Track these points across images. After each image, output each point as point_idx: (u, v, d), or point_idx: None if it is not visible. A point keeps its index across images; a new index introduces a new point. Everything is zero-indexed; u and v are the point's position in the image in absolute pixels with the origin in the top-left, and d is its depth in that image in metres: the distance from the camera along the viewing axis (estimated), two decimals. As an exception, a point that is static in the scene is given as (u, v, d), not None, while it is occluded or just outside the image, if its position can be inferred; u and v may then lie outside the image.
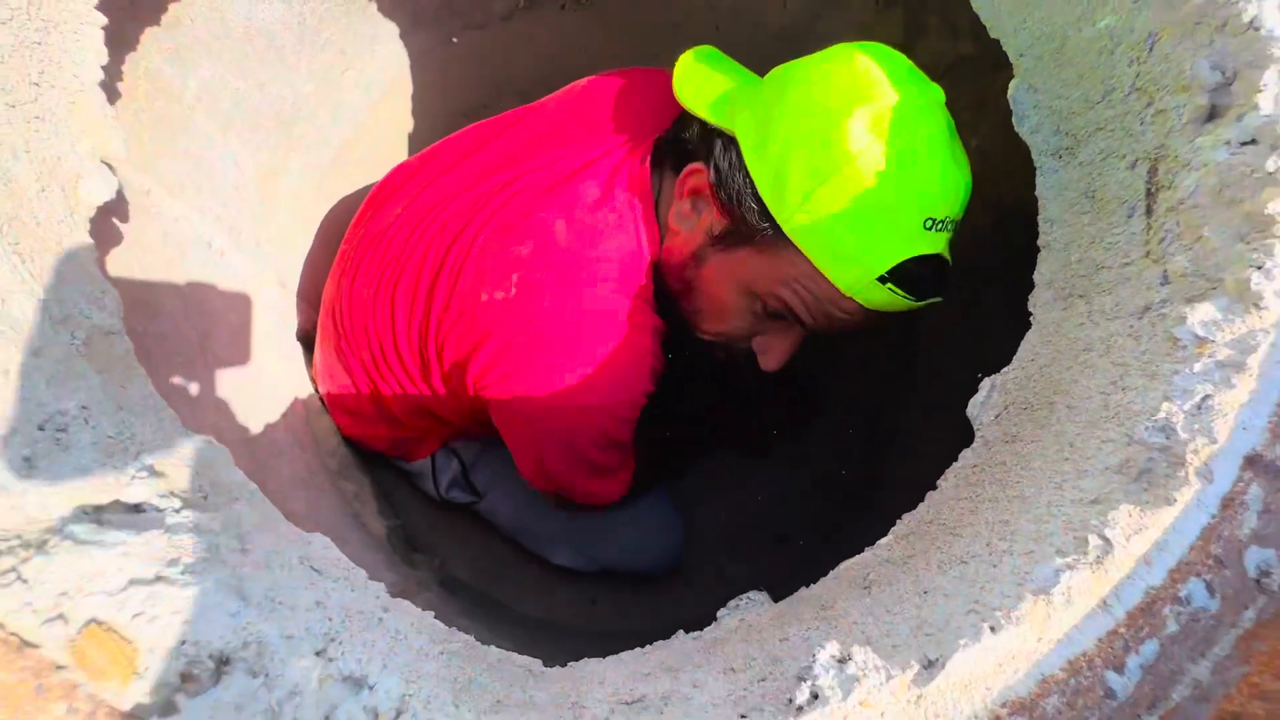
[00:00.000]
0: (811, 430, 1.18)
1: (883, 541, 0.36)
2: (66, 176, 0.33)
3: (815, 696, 0.20)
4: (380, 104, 1.04)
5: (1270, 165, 0.30)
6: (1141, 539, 0.23)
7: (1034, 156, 0.47)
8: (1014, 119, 0.48)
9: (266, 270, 0.87)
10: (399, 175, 0.84)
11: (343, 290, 0.80)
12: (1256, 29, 0.33)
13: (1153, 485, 0.25)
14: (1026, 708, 0.20)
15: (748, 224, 0.57)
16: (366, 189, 1.08)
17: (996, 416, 0.40)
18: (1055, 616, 0.22)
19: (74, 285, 0.29)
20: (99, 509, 0.22)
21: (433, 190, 0.75)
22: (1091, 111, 0.42)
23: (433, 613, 0.38)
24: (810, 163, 0.52)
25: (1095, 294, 0.38)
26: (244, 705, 0.18)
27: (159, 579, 0.21)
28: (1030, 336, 0.42)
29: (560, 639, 1.08)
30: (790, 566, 1.14)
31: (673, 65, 0.69)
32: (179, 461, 0.26)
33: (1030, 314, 0.44)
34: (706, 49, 0.71)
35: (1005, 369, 0.42)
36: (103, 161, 0.36)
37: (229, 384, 0.73)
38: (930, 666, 0.21)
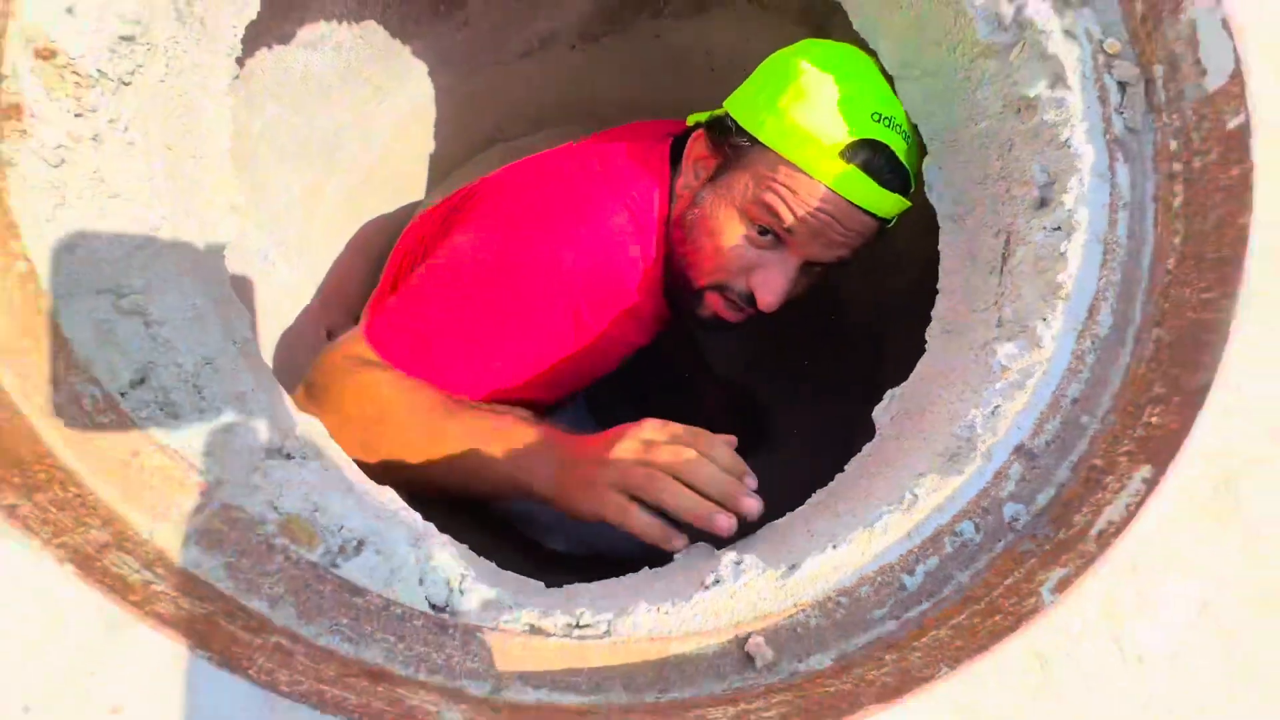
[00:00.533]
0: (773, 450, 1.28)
1: (799, 510, 0.48)
2: (213, 224, 0.46)
3: (717, 581, 0.32)
4: (406, 131, 1.17)
5: (1063, 247, 0.43)
6: (938, 496, 0.36)
7: (939, 219, 0.60)
8: (925, 188, 0.61)
9: (306, 278, 1.00)
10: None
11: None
12: (1068, 146, 0.46)
13: (955, 463, 0.37)
14: (848, 592, 0.33)
15: (734, 147, 0.69)
16: (396, 210, 1.21)
17: (892, 419, 0.53)
18: (875, 541, 0.34)
19: (228, 305, 0.41)
20: (280, 449, 0.35)
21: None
22: (975, 189, 0.55)
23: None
24: (773, 82, 0.68)
25: (964, 331, 0.51)
26: (374, 569, 0.30)
27: (323, 492, 0.33)
28: (923, 359, 0.55)
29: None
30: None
31: (672, 104, 0.83)
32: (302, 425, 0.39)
33: (926, 342, 0.57)
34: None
35: (903, 384, 0.55)
36: (231, 209, 0.49)
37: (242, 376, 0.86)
38: (793, 568, 0.33)
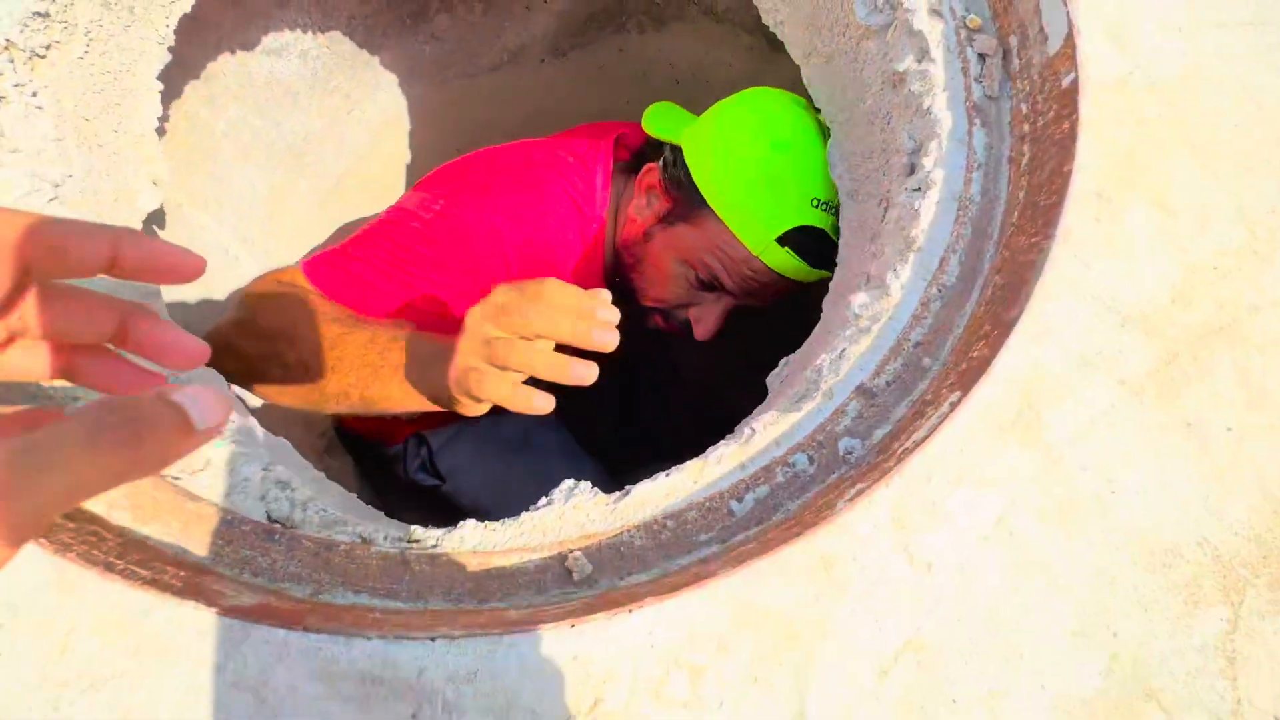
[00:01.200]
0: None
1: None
2: (131, 192, 0.50)
3: (549, 503, 0.34)
4: (380, 140, 1.22)
5: (918, 205, 0.45)
6: (775, 430, 0.37)
7: (839, 196, 0.62)
8: (829, 168, 0.64)
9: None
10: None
11: None
12: (929, 113, 0.48)
13: (800, 402, 0.39)
14: (675, 515, 0.34)
15: (684, 200, 0.76)
16: (358, 224, 1.26)
17: (782, 382, 0.54)
18: (708, 471, 0.36)
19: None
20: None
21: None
22: (865, 164, 0.57)
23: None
24: (725, 144, 0.75)
25: (847, 293, 0.53)
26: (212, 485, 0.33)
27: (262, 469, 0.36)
28: (816, 328, 0.57)
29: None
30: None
31: (638, 115, 0.89)
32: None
33: (822, 312, 0.59)
34: (666, 103, 0.90)
35: (795, 352, 0.57)
36: (153, 182, 0.52)
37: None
38: (625, 494, 0.35)
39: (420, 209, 0.74)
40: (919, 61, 0.50)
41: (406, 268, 0.70)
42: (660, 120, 0.89)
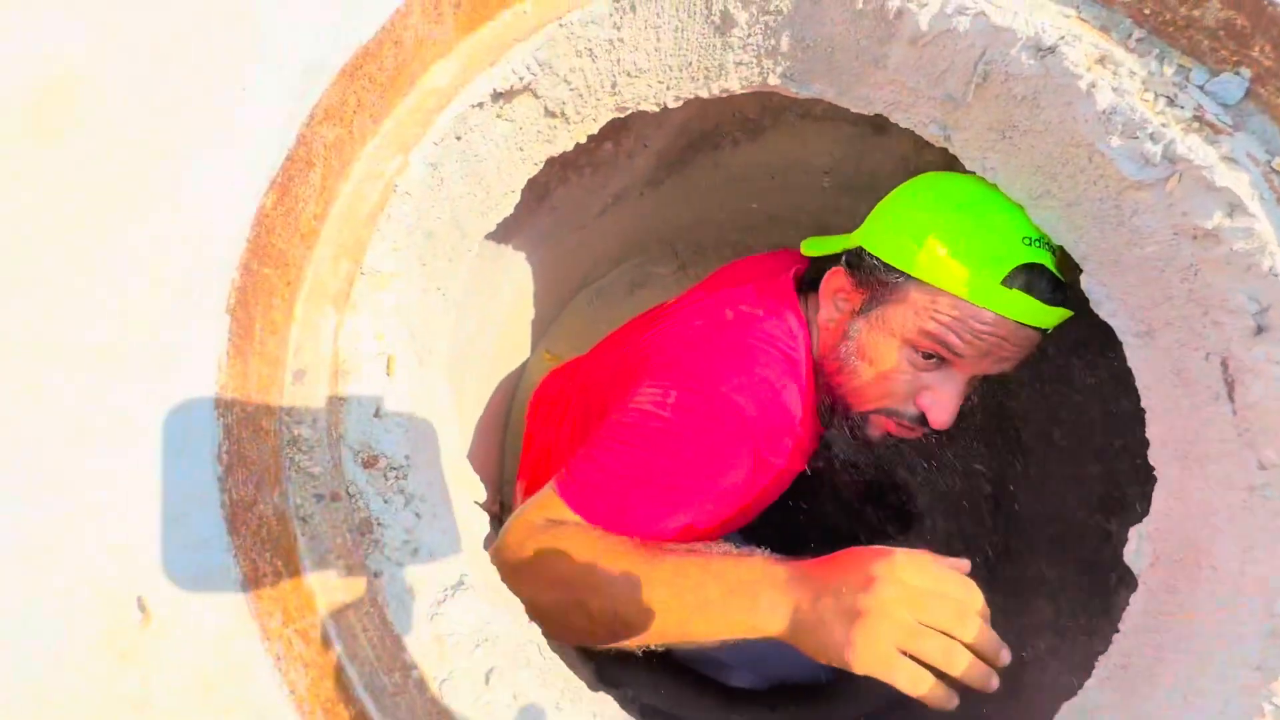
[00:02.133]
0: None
1: (1090, 684, 0.47)
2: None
3: None
4: (514, 312, 1.26)
5: (1315, 385, 0.42)
6: None
7: (1118, 334, 0.59)
8: (1091, 304, 0.61)
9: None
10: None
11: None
12: (1274, 275, 0.46)
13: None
14: None
15: (882, 283, 0.72)
16: (503, 383, 1.30)
17: (1151, 565, 0.51)
18: None
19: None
20: None
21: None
22: (1158, 309, 0.55)
23: None
24: (912, 218, 0.72)
25: (1206, 461, 0.50)
26: None
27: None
28: (1160, 491, 0.54)
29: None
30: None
31: (733, 217, 0.91)
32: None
33: (1154, 468, 0.56)
34: (816, 238, 0.89)
35: (1146, 520, 0.53)
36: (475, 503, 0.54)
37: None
38: None
39: (657, 407, 0.74)
40: (1231, 217, 0.48)
41: (665, 473, 0.70)
42: (821, 243, 0.89)
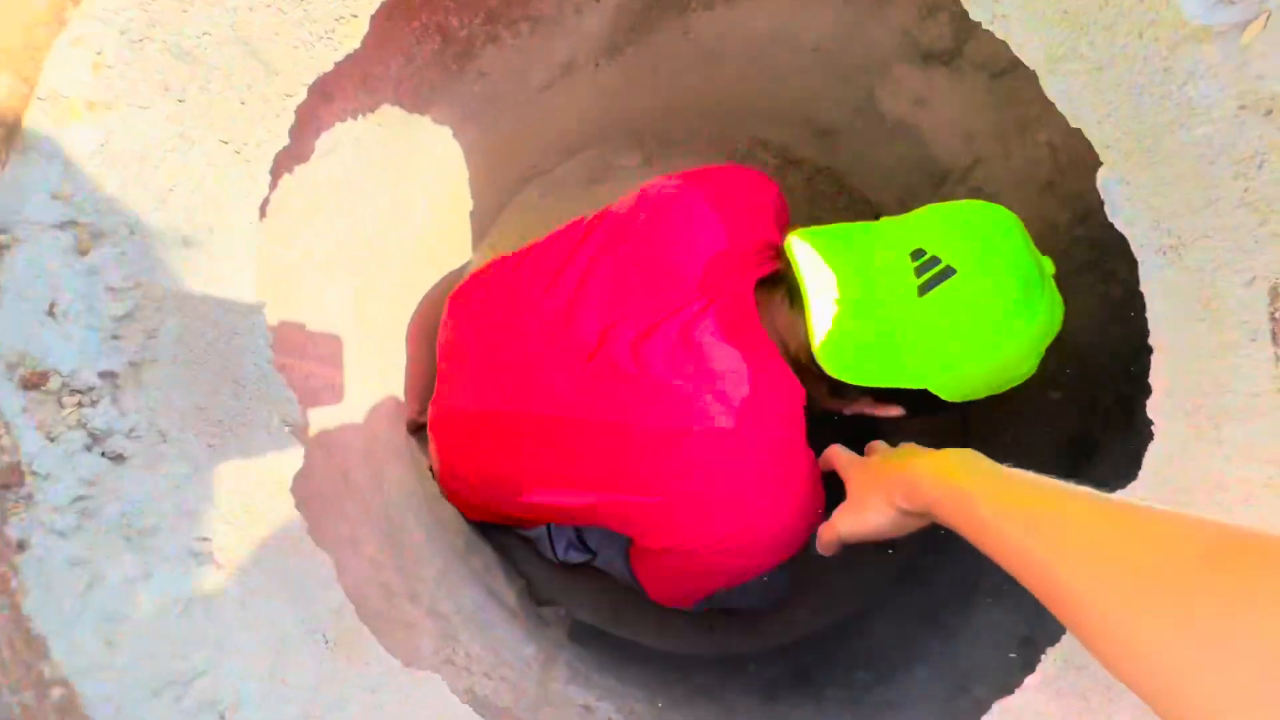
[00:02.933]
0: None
1: (1029, 683, 0.38)
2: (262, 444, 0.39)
3: None
4: (442, 201, 1.09)
5: None
6: None
7: (1133, 248, 0.46)
8: (1106, 208, 0.47)
9: (377, 386, 0.95)
10: (497, 291, 0.87)
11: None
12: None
13: None
14: None
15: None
16: (441, 285, 1.15)
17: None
18: None
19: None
20: None
21: (546, 338, 0.78)
22: (1196, 216, 0.41)
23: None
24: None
25: (1224, 420, 0.38)
26: None
27: None
28: (1155, 451, 0.42)
29: (686, 669, 1.14)
30: (895, 575, 1.16)
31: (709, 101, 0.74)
32: None
33: (1150, 422, 0.44)
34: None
35: (1132, 486, 0.43)
36: (284, 424, 0.42)
37: (375, 508, 0.82)
38: None
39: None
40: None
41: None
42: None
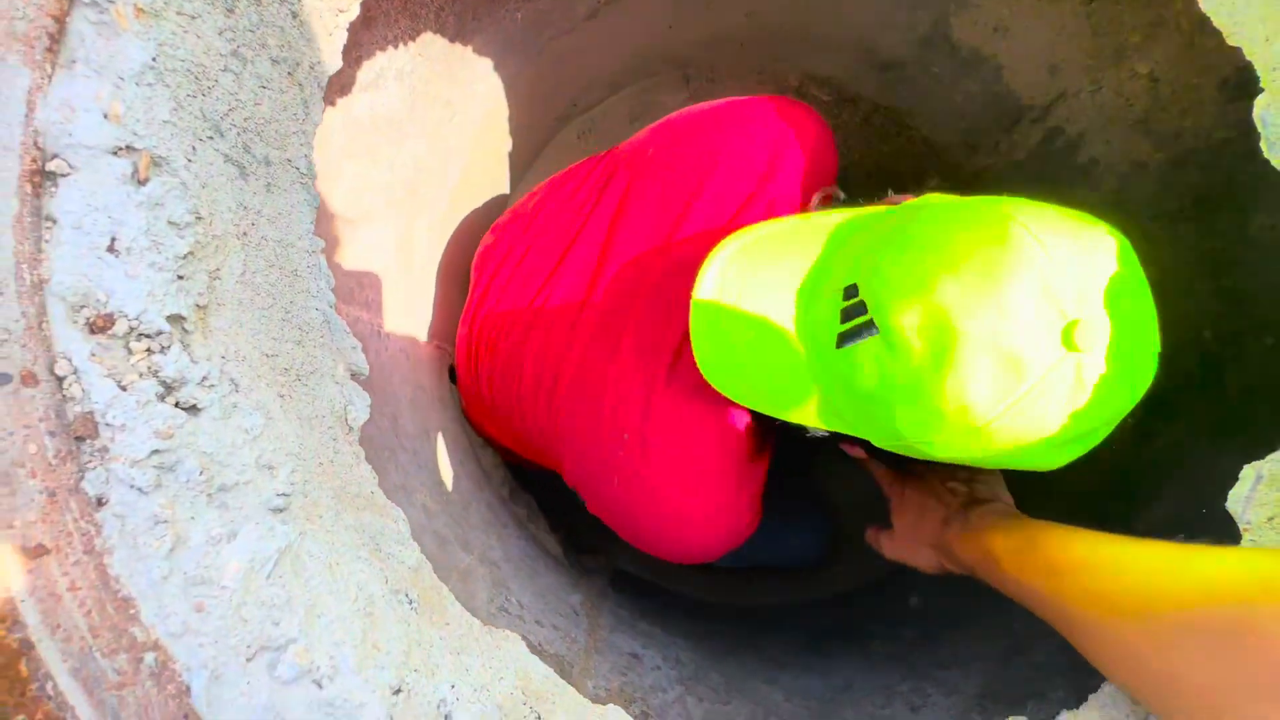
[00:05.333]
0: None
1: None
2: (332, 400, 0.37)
3: None
4: (482, 138, 1.04)
5: None
6: None
7: (1292, 189, 0.40)
8: (1263, 142, 0.41)
9: (419, 329, 0.93)
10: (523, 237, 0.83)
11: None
12: None
13: None
14: None
15: None
16: (470, 225, 1.11)
17: (1270, 519, 0.37)
18: None
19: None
20: None
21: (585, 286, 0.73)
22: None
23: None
24: None
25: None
26: None
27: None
28: (1304, 420, 0.38)
29: (727, 620, 1.15)
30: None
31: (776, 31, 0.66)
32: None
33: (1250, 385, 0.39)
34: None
35: (1273, 456, 0.39)
36: (350, 374, 0.39)
37: (424, 456, 0.81)
38: None
39: None
40: None
41: None
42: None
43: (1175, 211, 0.88)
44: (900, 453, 0.47)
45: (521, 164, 1.24)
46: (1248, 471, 0.40)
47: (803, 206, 0.66)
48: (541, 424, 0.73)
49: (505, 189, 1.23)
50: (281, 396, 0.32)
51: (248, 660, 0.23)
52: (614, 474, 0.65)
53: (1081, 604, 0.36)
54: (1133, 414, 0.60)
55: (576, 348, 0.69)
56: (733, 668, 0.90)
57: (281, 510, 0.28)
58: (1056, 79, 0.95)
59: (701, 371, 0.50)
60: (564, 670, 0.71)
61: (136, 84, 0.27)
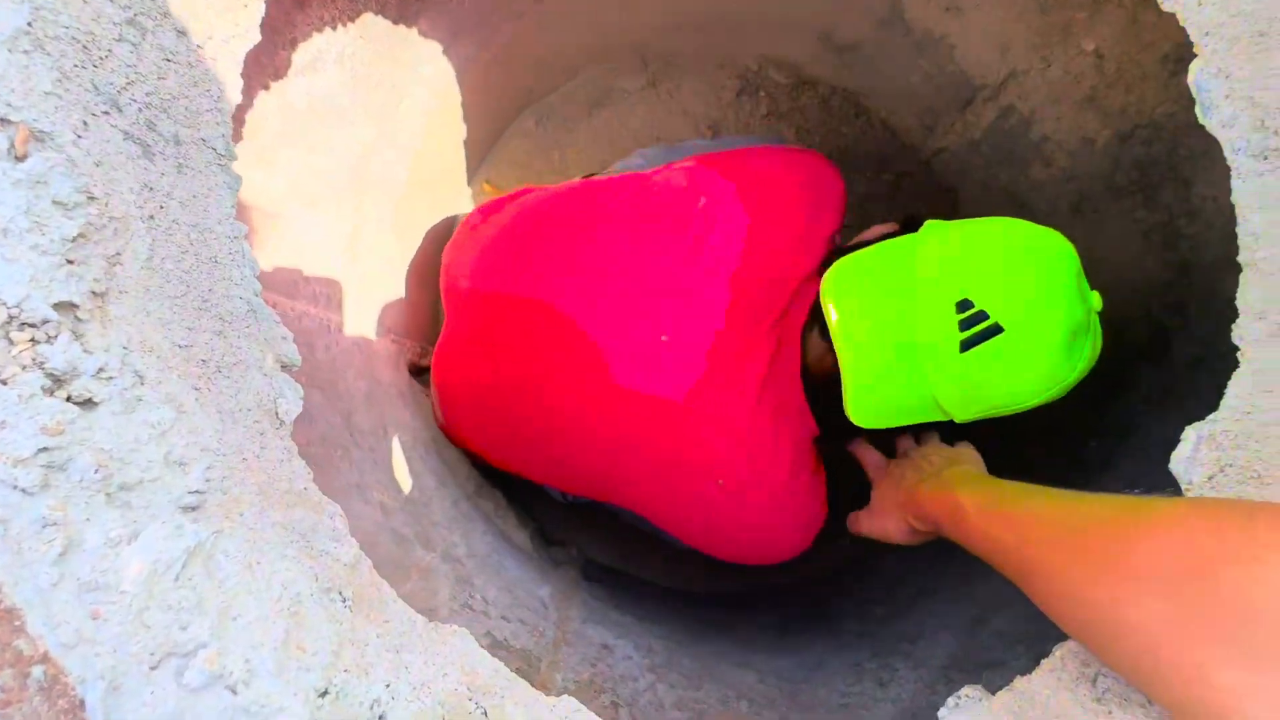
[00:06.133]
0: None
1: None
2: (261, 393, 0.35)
3: None
4: (434, 126, 1.01)
5: None
6: None
7: (1226, 153, 0.41)
8: (1198, 108, 0.42)
9: (373, 324, 0.90)
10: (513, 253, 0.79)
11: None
12: None
13: None
14: None
15: None
16: (442, 224, 1.09)
17: (1211, 478, 0.38)
18: None
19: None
20: None
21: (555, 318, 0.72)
22: (1308, 109, 0.36)
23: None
24: None
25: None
26: None
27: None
28: (1241, 380, 0.39)
29: (700, 606, 1.15)
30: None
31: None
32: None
33: (1236, 349, 0.40)
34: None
35: (1212, 417, 0.39)
36: (280, 365, 0.38)
37: (381, 454, 0.79)
38: None
39: None
40: None
41: None
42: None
43: (1123, 186, 0.90)
44: (970, 420, 0.57)
45: (479, 151, 1.21)
46: (1188, 433, 0.40)
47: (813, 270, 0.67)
48: (597, 456, 0.72)
49: (462, 177, 1.21)
50: (197, 389, 0.30)
51: (151, 669, 0.21)
52: (709, 506, 0.69)
53: (1039, 552, 0.37)
54: (1087, 387, 0.62)
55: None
56: (705, 652, 0.90)
57: (194, 509, 0.26)
58: (1007, 58, 0.96)
59: (852, 404, 0.59)
60: (530, 664, 0.70)
61: (9, 51, 0.24)
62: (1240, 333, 0.40)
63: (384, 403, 0.86)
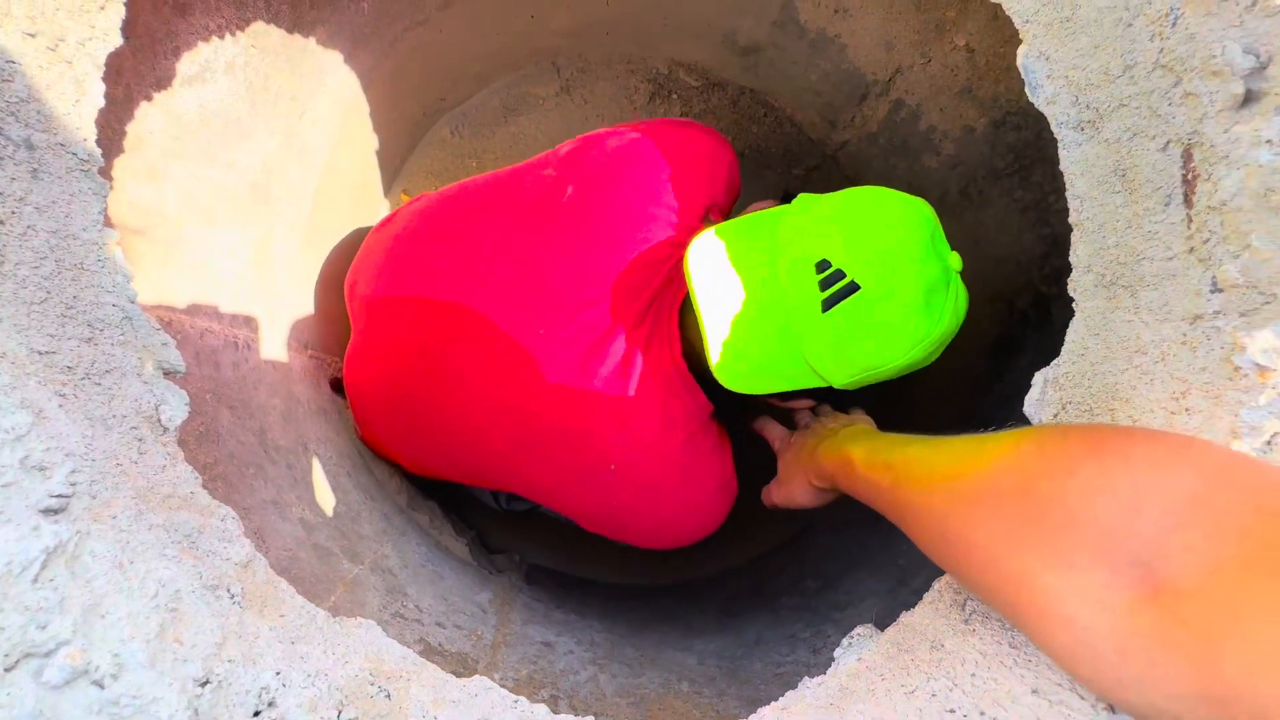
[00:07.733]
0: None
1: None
2: (138, 401, 0.35)
3: None
4: (342, 134, 1.00)
5: (1316, 169, 0.30)
6: None
7: (1053, 127, 0.46)
8: (1027, 89, 0.47)
9: (286, 339, 0.88)
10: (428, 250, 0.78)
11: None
12: (1289, 9, 0.31)
13: None
14: None
15: None
16: (355, 230, 1.07)
17: (1055, 415, 0.42)
18: None
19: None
20: None
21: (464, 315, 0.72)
22: (1113, 85, 0.41)
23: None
24: None
25: (1140, 287, 0.39)
26: None
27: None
28: (1076, 326, 0.43)
29: (646, 597, 1.17)
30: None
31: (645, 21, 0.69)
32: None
33: (1072, 299, 0.45)
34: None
35: (1055, 362, 0.43)
36: (161, 371, 0.37)
37: (300, 470, 0.77)
38: None
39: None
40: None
41: None
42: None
43: (1001, 169, 0.97)
44: (850, 387, 0.59)
45: (393, 161, 1.20)
46: (1036, 378, 0.44)
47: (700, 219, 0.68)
48: (499, 447, 0.72)
49: (377, 188, 1.19)
50: (61, 395, 0.30)
51: (6, 670, 0.21)
52: (606, 491, 0.69)
53: (908, 488, 0.40)
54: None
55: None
56: (648, 641, 0.91)
57: (57, 511, 0.26)
58: (892, 54, 1.03)
59: (719, 369, 0.59)
60: (466, 666, 0.69)
61: None
62: (1074, 285, 0.44)
63: (303, 419, 0.84)
